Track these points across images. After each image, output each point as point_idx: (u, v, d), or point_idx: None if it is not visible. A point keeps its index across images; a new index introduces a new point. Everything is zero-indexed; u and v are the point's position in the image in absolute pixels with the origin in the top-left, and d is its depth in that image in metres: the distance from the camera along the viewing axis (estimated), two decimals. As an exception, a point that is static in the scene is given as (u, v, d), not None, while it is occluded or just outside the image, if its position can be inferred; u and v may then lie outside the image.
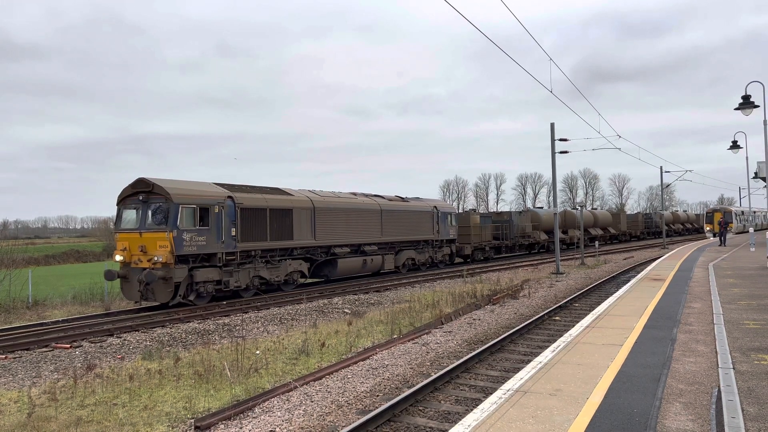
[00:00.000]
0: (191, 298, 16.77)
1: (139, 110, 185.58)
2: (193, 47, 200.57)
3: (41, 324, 15.04)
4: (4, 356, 11.47)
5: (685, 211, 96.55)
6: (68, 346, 12.29)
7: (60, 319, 15.57)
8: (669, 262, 23.56)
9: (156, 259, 15.89)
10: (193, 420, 7.24)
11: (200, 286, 16.87)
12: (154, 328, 14.18)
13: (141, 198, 16.63)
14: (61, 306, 19.07)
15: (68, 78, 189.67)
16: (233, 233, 17.74)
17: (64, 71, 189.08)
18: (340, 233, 22.37)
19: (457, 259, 32.65)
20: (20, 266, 22.69)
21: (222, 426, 7.06)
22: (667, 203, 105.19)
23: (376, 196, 26.12)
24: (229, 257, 17.73)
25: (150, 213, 16.51)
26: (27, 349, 12.10)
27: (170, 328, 14.05)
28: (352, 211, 23.19)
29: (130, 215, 16.92)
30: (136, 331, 13.85)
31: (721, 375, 6.30)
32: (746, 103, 18.95)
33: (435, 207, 28.98)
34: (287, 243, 19.89)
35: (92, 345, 12.43)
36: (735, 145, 27.64)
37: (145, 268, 15.97)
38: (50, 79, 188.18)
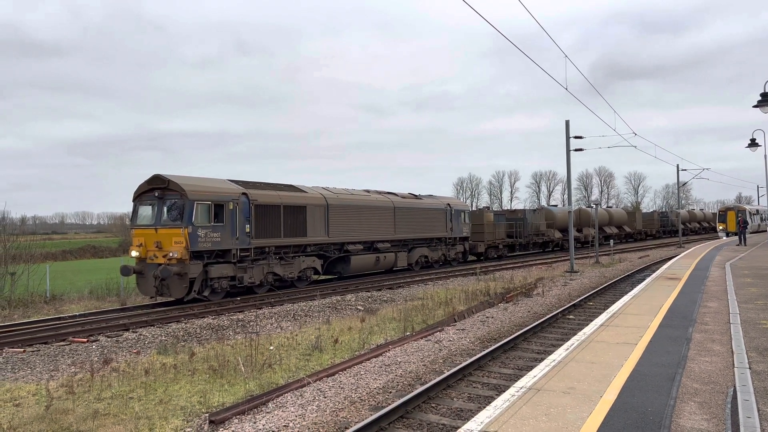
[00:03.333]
0: (206, 293, 16.92)
1: (156, 107, 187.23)
2: (211, 45, 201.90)
3: (59, 318, 15.26)
4: (22, 350, 11.66)
5: (701, 209, 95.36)
6: (85, 340, 12.46)
7: (77, 314, 15.78)
8: (685, 261, 23.32)
9: (171, 254, 16.04)
10: (207, 414, 7.31)
11: (215, 281, 17.00)
12: (169, 323, 14.33)
13: (157, 194, 16.78)
14: (78, 301, 19.33)
15: (87, 75, 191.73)
16: (247, 230, 17.86)
17: (84, 68, 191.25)
18: (353, 230, 22.43)
19: (471, 257, 32.59)
20: (38, 261, 23.03)
21: (236, 420, 7.13)
22: (683, 202, 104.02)
23: (389, 193, 26.15)
24: (244, 253, 17.84)
25: (165, 209, 16.66)
26: (45, 343, 12.29)
27: (185, 324, 14.19)
28: (366, 209, 23.23)
29: (146, 211, 17.09)
30: (151, 326, 14.01)
31: (737, 375, 6.24)
32: (765, 101, 18.67)
33: (448, 204, 28.94)
34: (301, 240, 19.98)
35: (108, 339, 12.59)
36: (753, 143, 27.27)
37: (160, 264, 16.13)
38: (70, 77, 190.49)
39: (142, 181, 17.40)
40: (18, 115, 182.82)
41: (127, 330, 13.54)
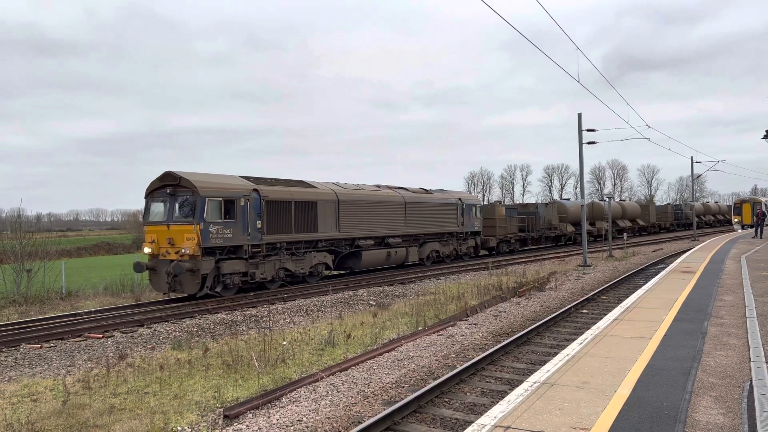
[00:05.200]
0: (218, 289, 17.01)
1: (169, 104, 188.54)
2: (224, 41, 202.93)
3: (74, 314, 15.43)
4: (39, 345, 11.81)
5: (716, 202, 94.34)
6: (101, 336, 12.60)
7: (92, 310, 15.95)
8: (700, 254, 23.10)
9: (183, 251, 16.13)
10: (222, 409, 7.37)
11: (227, 277, 17.09)
12: (183, 318, 14.45)
13: (168, 191, 16.85)
14: (93, 297, 19.54)
15: (101, 73, 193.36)
16: (259, 226, 17.91)
17: (98, 67, 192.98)
18: (364, 225, 22.43)
19: (482, 252, 32.47)
20: (53, 258, 23.28)
21: (250, 415, 7.18)
22: (698, 194, 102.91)
23: (400, 188, 26.11)
24: (255, 249, 17.90)
25: (177, 206, 16.72)
26: (61, 339, 12.44)
27: (199, 319, 14.29)
28: (376, 204, 23.21)
29: (158, 208, 17.17)
30: (165, 321, 14.13)
31: (754, 369, 6.18)
32: (781, 91, 18.38)
33: (459, 199, 28.84)
34: (312, 235, 20.02)
35: (124, 335, 12.72)
36: (769, 134, 26.88)
37: (173, 260, 16.21)
38: (84, 75, 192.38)
39: (155, 177, 17.51)
40: (33, 113, 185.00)
41: (142, 326, 13.66)
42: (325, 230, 20.53)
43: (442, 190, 29.14)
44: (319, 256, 20.56)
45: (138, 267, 17.06)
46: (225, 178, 18.01)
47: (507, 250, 34.19)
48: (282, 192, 19.04)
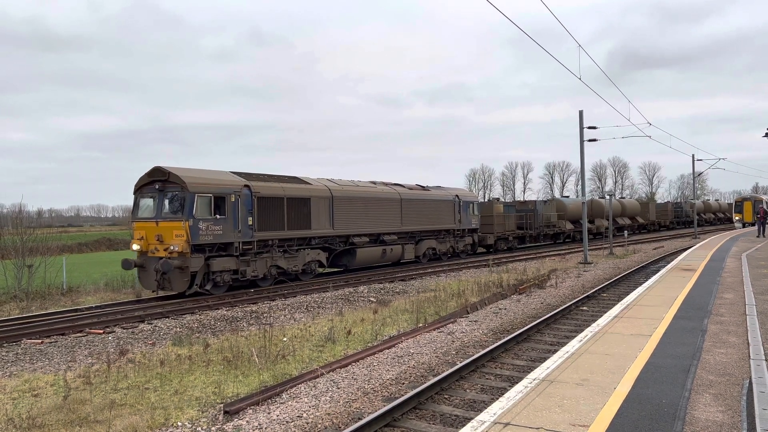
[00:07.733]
0: (208, 287, 16.74)
1: (172, 100, 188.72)
2: (228, 36, 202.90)
3: (75, 310, 15.43)
4: (40, 341, 11.83)
5: (717, 200, 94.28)
6: (101, 331, 12.61)
7: (93, 306, 15.93)
8: (700, 252, 23.10)
9: (172, 248, 15.81)
10: (222, 405, 7.38)
11: (217, 275, 16.80)
12: (184, 315, 14.46)
13: (157, 187, 16.53)
14: (94, 292, 19.54)
15: (105, 68, 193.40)
16: (250, 222, 17.64)
17: (102, 62, 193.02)
18: (358, 222, 22.23)
19: (480, 249, 32.45)
20: (54, 254, 23.25)
21: (250, 411, 7.19)
22: (699, 192, 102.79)
23: (395, 184, 25.97)
24: (246, 246, 17.60)
25: (166, 202, 16.45)
26: (62, 334, 12.45)
27: (199, 315, 14.30)
28: (371, 200, 23.04)
29: (147, 204, 16.87)
30: (166, 317, 14.14)
31: (753, 366, 6.19)
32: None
33: (456, 196, 28.74)
34: (305, 232, 19.78)
35: (124, 331, 12.74)
36: (770, 132, 26.84)
37: (161, 257, 15.91)
38: (88, 70, 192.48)
39: (144, 173, 17.15)
40: (36, 109, 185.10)
41: (143, 321, 13.68)
42: (318, 227, 20.32)
43: (439, 187, 29.03)
44: (312, 254, 20.32)
45: (126, 264, 16.72)
46: (215, 173, 17.75)
47: (504, 248, 34.14)
48: (274, 188, 18.78)
